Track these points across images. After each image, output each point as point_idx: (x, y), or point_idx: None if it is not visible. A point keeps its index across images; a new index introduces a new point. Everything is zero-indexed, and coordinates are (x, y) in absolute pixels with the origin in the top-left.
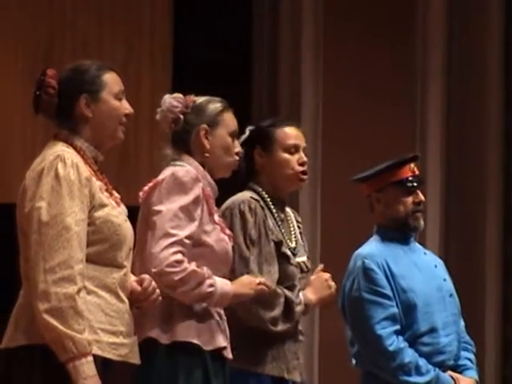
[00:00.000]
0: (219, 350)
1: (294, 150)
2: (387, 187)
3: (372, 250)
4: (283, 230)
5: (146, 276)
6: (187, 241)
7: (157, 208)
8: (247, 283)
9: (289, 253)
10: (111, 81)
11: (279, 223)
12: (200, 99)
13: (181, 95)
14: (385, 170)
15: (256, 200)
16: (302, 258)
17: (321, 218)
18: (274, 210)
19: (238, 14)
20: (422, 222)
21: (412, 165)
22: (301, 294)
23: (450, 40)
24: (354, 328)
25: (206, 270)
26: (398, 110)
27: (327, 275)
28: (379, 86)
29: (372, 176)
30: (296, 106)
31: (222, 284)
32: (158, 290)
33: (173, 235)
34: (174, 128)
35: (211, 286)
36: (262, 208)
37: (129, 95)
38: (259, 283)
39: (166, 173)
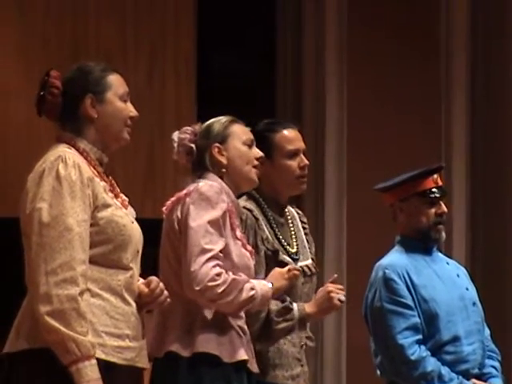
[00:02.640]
0: (242, 362)
1: (294, 154)
2: (410, 197)
3: (393, 260)
4: (281, 236)
5: (153, 278)
6: (221, 254)
7: (187, 225)
8: (279, 275)
9: (288, 259)
10: (116, 82)
11: (276, 230)
12: (206, 123)
13: (188, 127)
14: (408, 180)
15: (249, 210)
16: (305, 262)
17: (347, 228)
18: (272, 217)
19: (261, 24)
20: (443, 234)
21: (436, 176)
22: (296, 307)
23: (475, 50)
24: (376, 338)
25: (243, 276)
26: (423, 120)
27: (332, 287)
28: (404, 96)
29: (395, 186)
30: (321, 116)
31: (260, 285)
32: (166, 292)
33: (209, 250)
34: (191, 159)
35: (252, 289)
36: (256, 218)
37: (153, 106)
38: (289, 270)
39: (189, 188)
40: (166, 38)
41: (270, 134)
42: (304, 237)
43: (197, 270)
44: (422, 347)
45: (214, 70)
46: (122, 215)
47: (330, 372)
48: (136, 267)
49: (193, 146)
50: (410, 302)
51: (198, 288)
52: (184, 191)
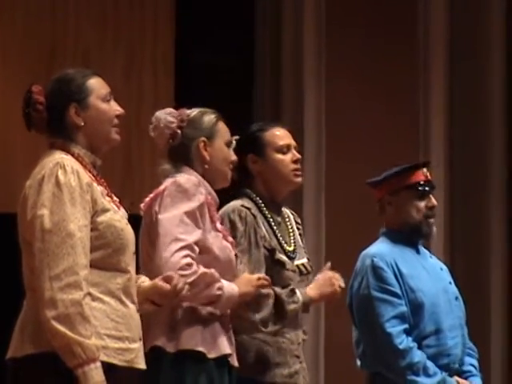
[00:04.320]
0: (224, 357)
1: (286, 149)
2: (400, 190)
3: (380, 249)
4: (279, 234)
5: (172, 273)
6: (195, 246)
7: (162, 216)
8: (247, 281)
9: (284, 258)
10: (97, 85)
11: (274, 228)
12: (193, 112)
13: (173, 110)
14: (399, 173)
15: (247, 208)
16: (301, 261)
17: (325, 224)
18: (269, 215)
19: (240, 20)
20: (434, 229)
21: (425, 170)
22: (298, 291)
23: (452, 44)
24: (362, 326)
25: (214, 272)
26: (401, 118)
27: (332, 273)
28: (382, 92)
29: (385, 179)
30: (299, 111)
31: (228, 288)
32: (187, 286)
33: (182, 240)
34: (172, 143)
35: (219, 289)
36: (254, 216)
37: (131, 103)
38: (258, 279)
39: (167, 183)
40: (144, 34)
41: (260, 133)
42: (299, 237)
43: (167, 258)
44: (409, 338)
45: (192, 66)
46: (120, 219)
47: (308, 368)
48: (133, 270)
49: (179, 132)
50: (398, 290)
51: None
52: (162, 186)
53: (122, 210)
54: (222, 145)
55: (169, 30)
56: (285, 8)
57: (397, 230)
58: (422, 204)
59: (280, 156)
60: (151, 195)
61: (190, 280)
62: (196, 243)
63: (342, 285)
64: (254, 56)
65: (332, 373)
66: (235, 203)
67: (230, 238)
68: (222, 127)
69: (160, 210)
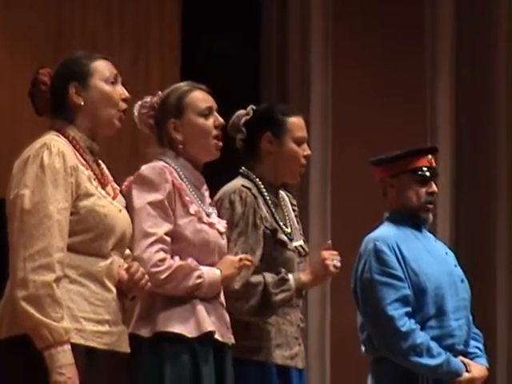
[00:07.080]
0: (207, 335)
1: (301, 141)
2: (402, 174)
3: (383, 233)
4: (277, 216)
5: (133, 262)
6: (167, 237)
7: (131, 209)
8: (230, 264)
9: (285, 238)
10: (101, 67)
11: (273, 209)
12: (164, 92)
13: (148, 98)
14: (403, 156)
15: (248, 188)
16: (298, 242)
17: (331, 209)
18: (268, 197)
19: (246, 8)
20: (431, 216)
21: (430, 156)
22: (292, 277)
23: (459, 32)
24: (365, 310)
25: (191, 262)
26: (408, 101)
27: (326, 254)
28: (389, 79)
29: (389, 160)
30: (305, 99)
31: (209, 273)
32: (146, 276)
33: (152, 234)
34: (154, 131)
35: (199, 277)
36: (255, 196)
37: (138, 90)
38: (240, 259)
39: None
40: (151, 22)
41: (284, 117)
42: (294, 219)
43: (139, 255)
44: (412, 320)
45: (198, 53)
46: (105, 204)
47: (314, 353)
48: (117, 254)
49: (151, 121)
50: (400, 273)
51: None
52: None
53: (120, 198)
54: (194, 118)
55: (175, 17)
56: None
57: (399, 213)
58: (423, 189)
59: (295, 147)
60: (125, 183)
61: (164, 276)
62: (168, 234)
63: (338, 264)
64: (260, 44)
65: (338, 358)
66: (236, 183)
67: (209, 219)
68: (193, 98)
69: (129, 204)
